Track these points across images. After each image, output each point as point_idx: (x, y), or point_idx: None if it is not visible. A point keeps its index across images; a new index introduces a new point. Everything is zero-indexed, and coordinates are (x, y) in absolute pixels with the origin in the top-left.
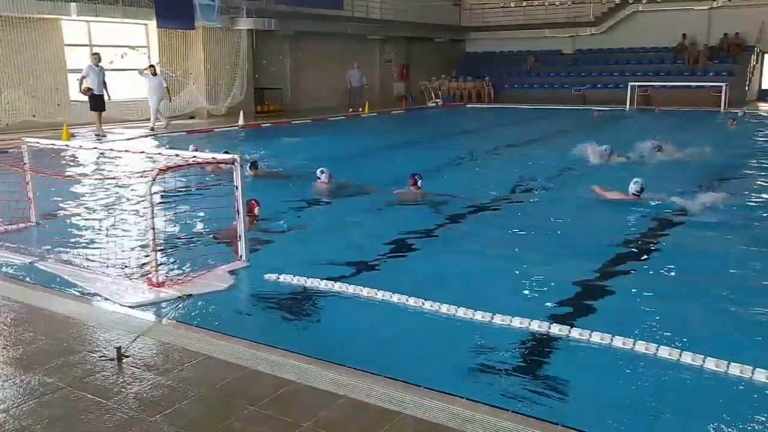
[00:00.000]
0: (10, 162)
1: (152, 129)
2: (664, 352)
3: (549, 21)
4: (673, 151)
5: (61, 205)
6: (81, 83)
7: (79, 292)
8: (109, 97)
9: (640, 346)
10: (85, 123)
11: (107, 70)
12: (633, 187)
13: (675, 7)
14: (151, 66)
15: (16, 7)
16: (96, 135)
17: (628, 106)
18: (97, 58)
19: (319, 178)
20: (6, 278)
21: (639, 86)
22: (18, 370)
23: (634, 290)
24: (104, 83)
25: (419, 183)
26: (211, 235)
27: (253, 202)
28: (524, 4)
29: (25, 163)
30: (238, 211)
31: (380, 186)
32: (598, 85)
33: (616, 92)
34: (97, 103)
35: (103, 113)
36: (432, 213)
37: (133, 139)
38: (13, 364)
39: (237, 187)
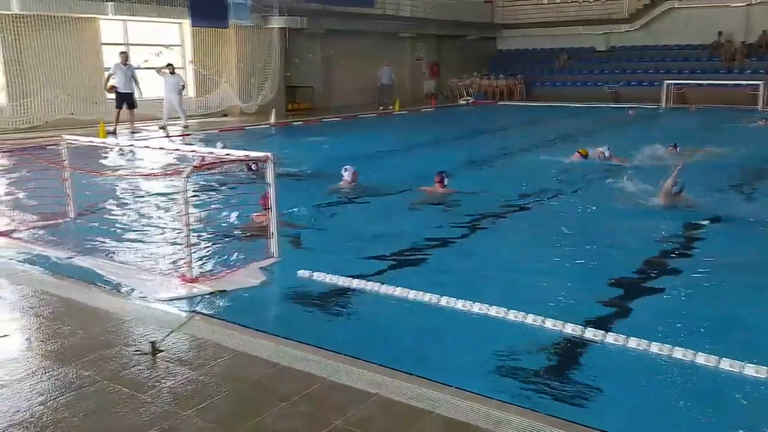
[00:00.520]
0: (49, 159)
1: (186, 126)
2: (701, 358)
3: (582, 18)
4: (692, 152)
5: (97, 201)
6: (107, 81)
7: (114, 286)
8: (140, 94)
9: (678, 353)
10: (121, 121)
11: (143, 68)
12: (674, 189)
13: (712, 4)
14: (169, 65)
15: (55, 7)
16: (131, 132)
17: (663, 104)
18: (124, 56)
19: (343, 176)
20: (44, 272)
21: (674, 84)
22: (55, 363)
23: (672, 294)
24: (135, 80)
25: (446, 181)
26: (238, 230)
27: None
28: (558, 0)
29: (63, 160)
30: (270, 208)
31: (407, 183)
32: (632, 83)
33: (650, 90)
34: (121, 100)
35: (135, 110)
36: (459, 212)
37: (168, 136)
38: (50, 357)
39: (269, 184)
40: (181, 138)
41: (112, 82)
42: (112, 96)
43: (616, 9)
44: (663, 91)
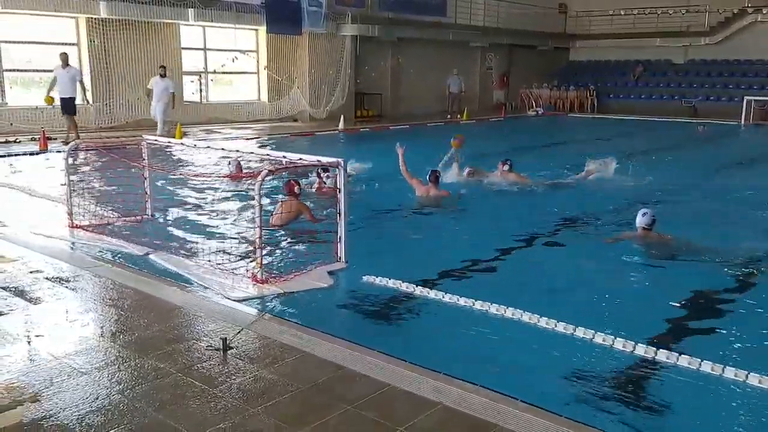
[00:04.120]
0: (130, 157)
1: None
2: None
3: (660, 30)
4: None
5: (173, 199)
6: (49, 90)
7: (188, 283)
8: (87, 100)
9: (753, 379)
10: (196, 123)
11: (219, 73)
12: (642, 220)
13: None
14: (162, 67)
15: (140, 12)
16: (64, 142)
17: (743, 121)
18: (64, 58)
19: (320, 179)
20: (124, 267)
21: (755, 100)
22: (133, 354)
23: (748, 319)
24: (82, 84)
25: (440, 181)
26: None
27: (291, 182)
28: (635, 12)
29: (144, 160)
30: (339, 213)
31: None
32: (711, 98)
33: (730, 106)
34: (64, 106)
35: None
36: (503, 221)
37: (236, 139)
38: (128, 348)
39: (340, 190)
40: (259, 139)
41: (52, 93)
42: (196, 100)
43: (696, 22)
44: (743, 107)
